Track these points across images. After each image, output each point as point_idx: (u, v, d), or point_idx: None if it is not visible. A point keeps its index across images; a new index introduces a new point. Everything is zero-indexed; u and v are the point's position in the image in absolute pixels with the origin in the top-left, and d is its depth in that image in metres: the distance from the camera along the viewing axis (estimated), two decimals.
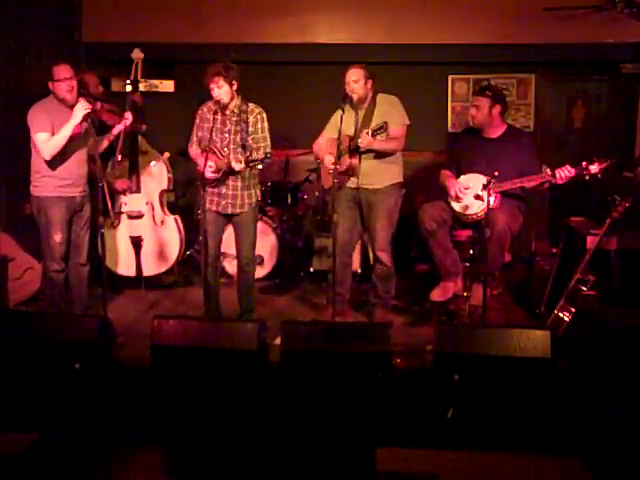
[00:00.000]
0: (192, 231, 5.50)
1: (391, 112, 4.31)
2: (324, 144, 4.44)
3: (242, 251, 4.43)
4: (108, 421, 3.28)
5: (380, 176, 4.34)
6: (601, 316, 4.21)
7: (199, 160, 4.24)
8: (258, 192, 4.46)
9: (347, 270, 4.57)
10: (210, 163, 4.13)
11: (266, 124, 4.28)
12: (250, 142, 4.22)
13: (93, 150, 4.27)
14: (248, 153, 4.13)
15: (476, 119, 4.35)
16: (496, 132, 4.37)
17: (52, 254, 4.26)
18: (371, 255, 4.89)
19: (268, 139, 4.28)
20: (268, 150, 4.19)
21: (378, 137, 4.13)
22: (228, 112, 4.22)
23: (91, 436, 3.20)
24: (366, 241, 5.02)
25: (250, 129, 4.23)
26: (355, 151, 4.25)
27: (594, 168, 4.01)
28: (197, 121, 4.34)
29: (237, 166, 4.08)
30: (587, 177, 4.03)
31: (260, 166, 4.07)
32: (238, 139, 4.23)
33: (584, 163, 4.02)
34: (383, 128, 4.09)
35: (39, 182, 4.23)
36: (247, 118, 4.22)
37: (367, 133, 4.10)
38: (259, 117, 4.25)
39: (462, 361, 3.25)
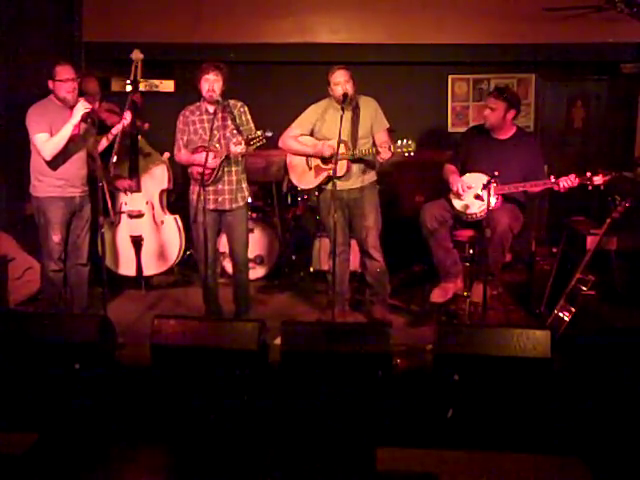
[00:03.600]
0: (192, 230, 5.49)
1: (376, 117, 4.37)
2: (297, 140, 4.45)
3: (236, 250, 4.44)
4: (108, 421, 3.28)
5: (362, 175, 4.40)
6: (601, 316, 4.21)
7: (194, 158, 4.25)
8: (249, 188, 4.50)
9: (346, 267, 4.60)
10: (210, 154, 4.13)
11: (249, 116, 4.37)
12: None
13: (93, 150, 4.27)
14: (246, 135, 4.15)
15: (489, 121, 4.34)
16: (505, 134, 4.37)
17: (50, 254, 4.26)
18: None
19: (254, 129, 4.31)
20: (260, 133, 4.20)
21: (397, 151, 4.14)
22: (212, 110, 4.24)
23: (91, 436, 3.20)
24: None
25: (237, 122, 4.28)
26: (359, 160, 4.29)
27: (598, 179, 4.00)
28: (180, 126, 4.36)
29: (237, 148, 4.12)
30: (590, 187, 4.03)
31: (260, 143, 4.08)
32: (228, 134, 4.27)
33: (588, 174, 4.01)
34: (407, 150, 4.06)
35: (38, 182, 4.23)
36: (232, 112, 4.28)
37: (390, 149, 4.10)
38: (242, 110, 4.34)
39: (462, 361, 3.26)
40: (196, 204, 4.19)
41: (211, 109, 4.25)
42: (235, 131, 4.25)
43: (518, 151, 4.29)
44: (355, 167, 4.36)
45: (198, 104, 4.33)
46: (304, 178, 4.53)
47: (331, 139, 4.29)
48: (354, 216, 4.45)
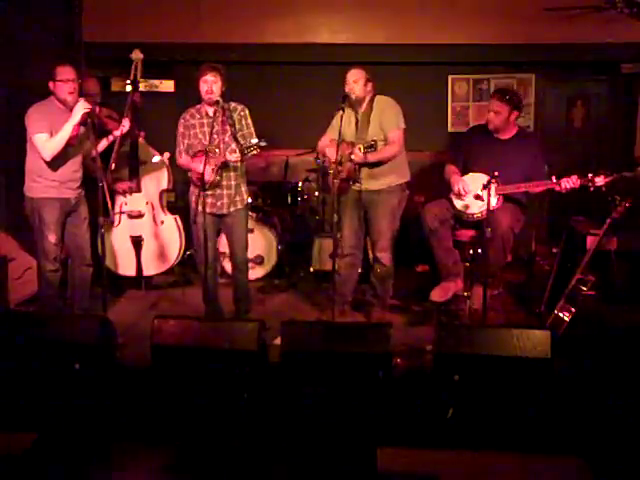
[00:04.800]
0: (192, 231, 5.50)
1: (388, 116, 4.31)
2: (327, 145, 4.46)
3: (236, 251, 4.44)
4: (108, 421, 3.28)
5: (382, 178, 4.34)
6: (601, 316, 4.21)
7: (193, 165, 4.26)
8: (248, 190, 4.49)
9: (353, 270, 4.58)
10: (208, 167, 4.13)
11: (250, 120, 4.34)
12: (239, 139, 4.26)
13: (91, 151, 4.26)
14: (241, 144, 4.15)
15: (493, 124, 4.33)
16: (507, 134, 4.38)
17: (46, 255, 4.26)
18: (370, 255, 4.89)
19: (254, 134, 4.31)
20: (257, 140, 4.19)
21: (369, 155, 4.12)
22: (212, 114, 4.24)
23: (91, 436, 3.20)
24: (367, 242, 5.02)
25: (237, 126, 4.27)
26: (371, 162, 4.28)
27: (599, 180, 4.00)
28: (181, 129, 4.36)
29: (232, 156, 4.10)
30: (591, 189, 4.03)
31: (255, 152, 4.07)
32: (227, 138, 4.26)
33: (590, 175, 4.01)
34: (373, 147, 4.06)
35: (34, 183, 4.23)
36: (232, 116, 4.27)
37: (359, 149, 4.09)
38: (243, 114, 4.31)
39: (462, 361, 3.25)
40: (195, 206, 4.19)
41: (211, 111, 4.25)
42: (233, 137, 4.24)
43: (519, 151, 4.29)
44: (372, 168, 4.29)
45: (198, 107, 4.33)
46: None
47: (344, 139, 4.24)
48: (369, 219, 4.43)
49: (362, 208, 4.42)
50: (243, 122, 4.30)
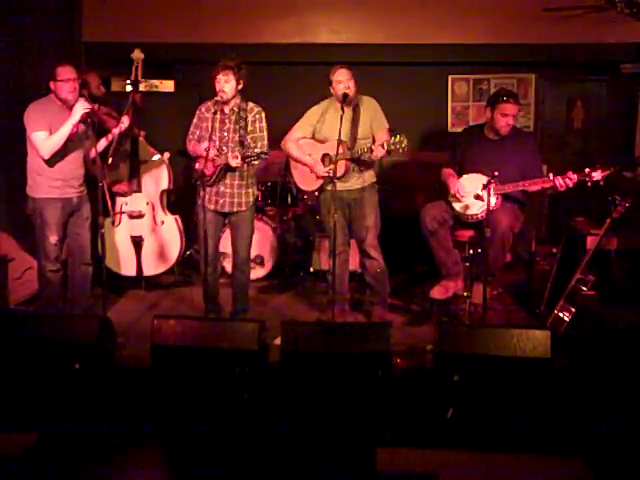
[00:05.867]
0: (192, 231, 5.50)
1: (376, 117, 4.36)
2: (298, 144, 4.46)
3: (238, 250, 4.44)
4: (108, 421, 3.28)
5: (360, 176, 4.38)
6: (601, 316, 4.21)
7: (198, 152, 4.26)
8: (256, 192, 4.48)
9: (345, 267, 4.59)
10: (211, 151, 4.14)
11: (265, 124, 4.31)
12: (249, 141, 4.25)
13: (91, 149, 4.26)
14: (245, 150, 4.16)
15: (509, 128, 4.29)
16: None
17: (47, 254, 4.26)
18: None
19: (266, 138, 4.31)
20: (265, 149, 4.21)
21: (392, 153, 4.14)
22: (227, 111, 4.24)
23: (91, 436, 3.20)
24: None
25: (249, 128, 4.26)
26: (354, 160, 4.27)
27: (597, 175, 3.99)
28: (195, 120, 4.39)
29: (234, 162, 4.10)
30: (589, 184, 4.02)
31: (256, 162, 4.09)
32: (237, 137, 4.26)
33: (587, 170, 4.00)
34: (400, 147, 4.03)
35: (35, 182, 4.23)
36: (246, 117, 4.26)
37: (383, 147, 4.07)
38: (258, 116, 4.29)
39: (462, 361, 3.26)
40: (200, 202, 4.22)
41: (226, 109, 4.25)
42: (244, 138, 4.24)
43: (516, 150, 4.29)
44: (354, 167, 4.34)
45: (215, 100, 4.29)
46: (306, 180, 4.53)
47: (331, 139, 4.29)
48: (354, 216, 4.45)
49: (345, 207, 4.43)
50: (257, 125, 4.29)
